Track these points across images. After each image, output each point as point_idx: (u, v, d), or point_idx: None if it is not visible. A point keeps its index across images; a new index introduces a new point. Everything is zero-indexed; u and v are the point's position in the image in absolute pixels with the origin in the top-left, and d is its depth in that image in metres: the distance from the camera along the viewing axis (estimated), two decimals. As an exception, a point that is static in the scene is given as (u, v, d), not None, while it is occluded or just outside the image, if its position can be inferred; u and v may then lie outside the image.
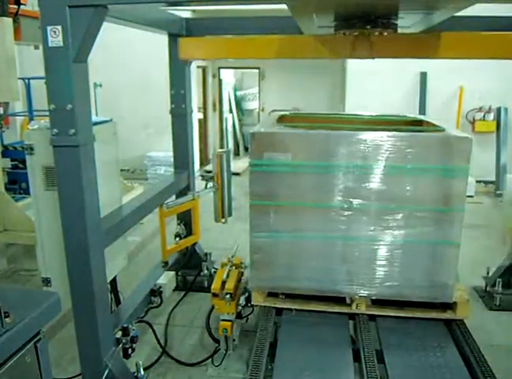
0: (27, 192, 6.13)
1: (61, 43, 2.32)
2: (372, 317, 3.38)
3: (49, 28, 2.30)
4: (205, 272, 4.54)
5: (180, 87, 4.23)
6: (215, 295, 3.35)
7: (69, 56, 2.35)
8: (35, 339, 1.46)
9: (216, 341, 3.49)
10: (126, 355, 3.05)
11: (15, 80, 4.06)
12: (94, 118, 2.84)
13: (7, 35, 3.86)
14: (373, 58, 3.10)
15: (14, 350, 1.37)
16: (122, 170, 3.93)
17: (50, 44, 2.33)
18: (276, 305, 3.48)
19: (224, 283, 3.40)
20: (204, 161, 10.34)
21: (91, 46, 2.43)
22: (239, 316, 3.50)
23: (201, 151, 10.15)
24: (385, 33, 2.82)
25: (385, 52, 3.11)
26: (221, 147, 10.83)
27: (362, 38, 2.95)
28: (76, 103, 2.41)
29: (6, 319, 1.35)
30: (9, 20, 3.94)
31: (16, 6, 4.38)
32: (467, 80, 8.13)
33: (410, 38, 3.20)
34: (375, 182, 3.14)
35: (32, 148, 2.78)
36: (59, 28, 2.30)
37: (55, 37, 2.30)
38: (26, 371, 1.42)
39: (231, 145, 11.12)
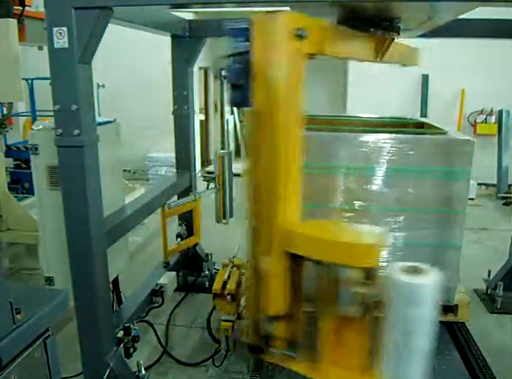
0: (29, 191, 6.16)
1: (66, 45, 2.34)
2: (373, 319, 3.38)
3: (55, 29, 2.32)
4: (206, 272, 4.55)
5: (183, 88, 4.25)
6: (216, 296, 3.36)
7: (75, 57, 2.36)
8: (45, 336, 1.48)
9: (217, 341, 3.50)
10: (128, 355, 3.06)
11: (19, 80, 4.08)
12: (97, 119, 2.85)
13: (12, 36, 3.87)
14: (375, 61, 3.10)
15: (24, 346, 1.39)
16: (123, 170, 3.95)
17: (55, 45, 2.34)
18: (278, 306, 3.48)
19: (225, 283, 3.41)
20: (205, 162, 10.36)
21: (96, 47, 2.45)
22: (239, 316, 3.51)
23: (202, 152, 10.17)
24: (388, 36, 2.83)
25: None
26: (222, 148, 10.85)
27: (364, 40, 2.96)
28: (80, 104, 2.43)
29: (17, 315, 1.38)
30: (13, 21, 3.96)
31: (20, 7, 4.40)
32: (468, 82, 8.15)
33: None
34: (377, 184, 3.15)
35: (36, 148, 2.80)
36: (65, 29, 2.31)
37: (61, 38, 2.32)
38: (35, 367, 1.44)
39: (232, 146, 11.14)
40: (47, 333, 1.48)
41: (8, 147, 6.87)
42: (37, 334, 1.44)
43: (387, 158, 3.09)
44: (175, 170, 4.60)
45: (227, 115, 11.30)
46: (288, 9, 2.46)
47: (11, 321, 1.35)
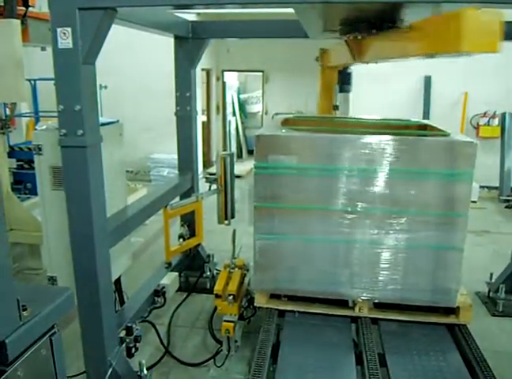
0: (32, 192, 6.19)
1: (70, 45, 2.35)
2: (374, 321, 3.39)
3: (59, 29, 2.33)
4: (208, 273, 4.56)
5: (185, 89, 4.26)
6: (218, 296, 3.37)
7: (79, 58, 2.38)
8: (51, 333, 1.49)
9: (219, 342, 3.51)
10: (130, 354, 3.07)
11: (22, 81, 4.09)
12: (100, 119, 2.87)
13: (15, 37, 3.88)
14: (376, 62, 3.12)
15: (30, 342, 1.41)
16: (126, 171, 3.93)
17: (59, 46, 2.36)
18: (279, 307, 3.49)
19: (226, 284, 3.42)
20: (207, 163, 10.37)
21: (100, 48, 2.46)
22: (241, 317, 3.52)
23: (204, 153, 10.19)
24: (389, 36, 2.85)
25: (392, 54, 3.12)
26: (224, 149, 10.87)
27: (366, 41, 2.98)
28: (84, 104, 2.44)
29: (24, 312, 1.39)
30: (17, 22, 3.97)
31: (24, 8, 4.41)
32: (472, 84, 8.15)
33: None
34: (379, 186, 3.16)
35: (40, 149, 2.82)
36: (69, 30, 2.33)
37: (65, 39, 2.33)
38: (41, 363, 1.46)
39: (234, 148, 11.15)
40: (53, 330, 1.50)
41: (11, 147, 6.89)
42: (43, 331, 1.46)
43: (389, 160, 3.10)
44: (177, 171, 4.61)
45: (229, 117, 11.32)
46: (290, 10, 2.47)
47: (18, 318, 1.37)
